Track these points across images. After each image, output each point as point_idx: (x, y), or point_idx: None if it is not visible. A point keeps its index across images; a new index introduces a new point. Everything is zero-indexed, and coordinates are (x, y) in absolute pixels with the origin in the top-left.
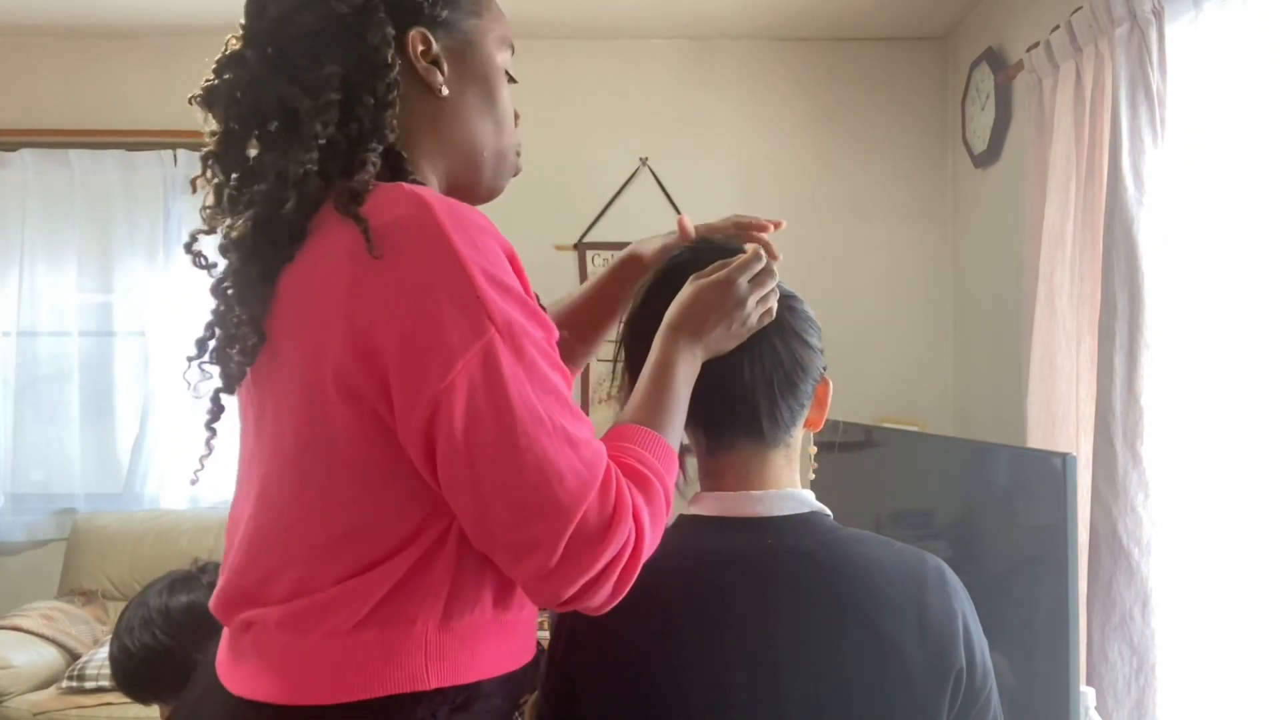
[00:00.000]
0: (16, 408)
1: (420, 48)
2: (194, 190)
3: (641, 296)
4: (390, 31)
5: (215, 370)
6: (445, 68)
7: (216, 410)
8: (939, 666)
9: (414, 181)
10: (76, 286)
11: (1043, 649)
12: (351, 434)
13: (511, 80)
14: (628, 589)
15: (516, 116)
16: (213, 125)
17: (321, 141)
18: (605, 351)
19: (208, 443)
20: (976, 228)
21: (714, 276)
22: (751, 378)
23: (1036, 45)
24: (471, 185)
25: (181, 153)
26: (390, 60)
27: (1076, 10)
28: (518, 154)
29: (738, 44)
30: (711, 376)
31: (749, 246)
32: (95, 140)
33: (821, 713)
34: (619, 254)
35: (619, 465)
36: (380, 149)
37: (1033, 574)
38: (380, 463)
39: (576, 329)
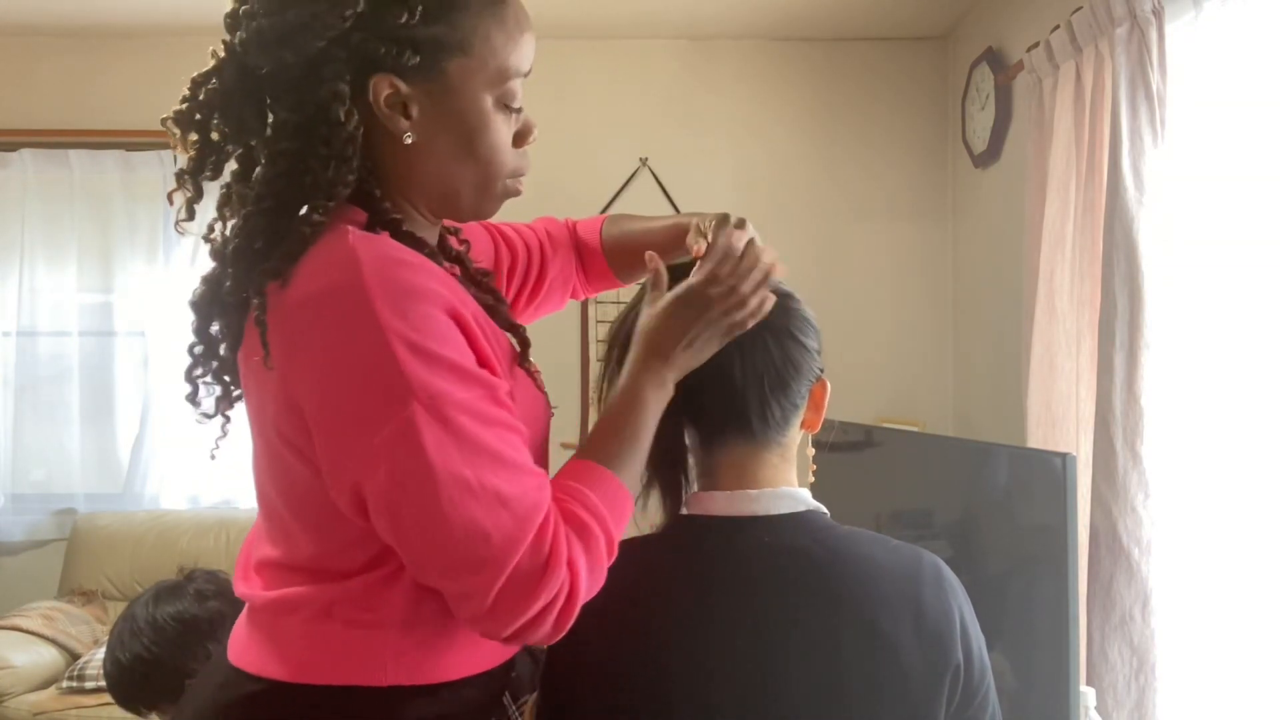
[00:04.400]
0: (16, 408)
1: (386, 92)
2: (171, 203)
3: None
4: (343, 88)
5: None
6: (415, 111)
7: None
8: (936, 664)
9: (387, 218)
10: (76, 286)
11: (1043, 649)
12: (305, 477)
13: (512, 111)
14: (568, 626)
15: (522, 138)
16: (189, 142)
17: (267, 204)
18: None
19: (222, 427)
20: (976, 227)
21: (673, 293)
22: (742, 376)
23: (1036, 45)
24: (453, 215)
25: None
26: (341, 118)
27: (1076, 10)
28: (515, 178)
29: (738, 44)
30: (703, 373)
31: (699, 247)
32: (95, 140)
33: (820, 711)
34: (674, 219)
35: (562, 510)
36: (330, 205)
37: (1033, 574)
38: (332, 504)
39: (618, 266)
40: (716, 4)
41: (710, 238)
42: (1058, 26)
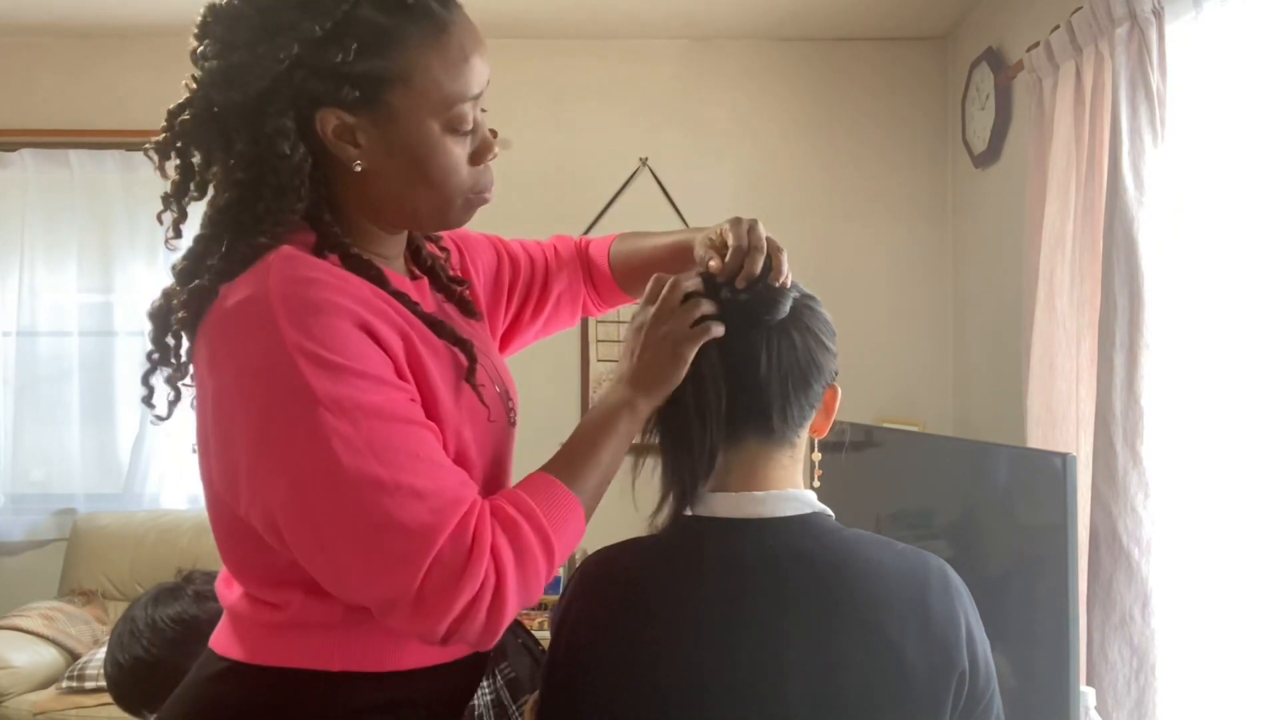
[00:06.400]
0: (16, 408)
1: (333, 124)
2: (160, 222)
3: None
4: (287, 123)
5: None
6: (363, 141)
7: None
8: (941, 669)
9: (335, 241)
10: (76, 286)
11: (1043, 649)
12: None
13: (464, 133)
14: (504, 624)
15: (481, 156)
16: (171, 168)
17: (219, 228)
18: (606, 351)
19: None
20: (976, 228)
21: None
22: (767, 371)
23: (1036, 45)
24: (418, 229)
25: None
26: (287, 151)
27: (1076, 10)
28: (480, 192)
29: (738, 44)
30: (728, 369)
31: (715, 263)
32: (95, 140)
33: (824, 714)
34: (678, 235)
35: (492, 507)
36: (278, 230)
37: (1033, 574)
38: None
39: (625, 283)
40: (716, 4)
41: (730, 239)
42: (1058, 26)
